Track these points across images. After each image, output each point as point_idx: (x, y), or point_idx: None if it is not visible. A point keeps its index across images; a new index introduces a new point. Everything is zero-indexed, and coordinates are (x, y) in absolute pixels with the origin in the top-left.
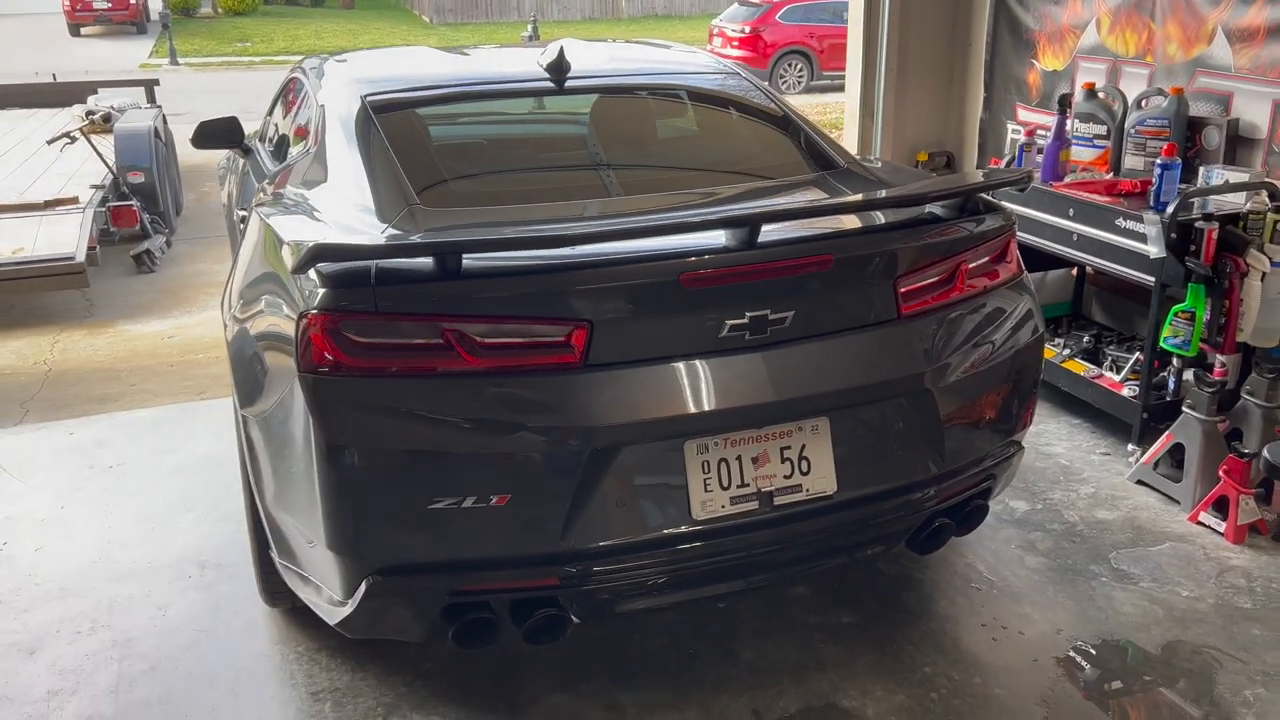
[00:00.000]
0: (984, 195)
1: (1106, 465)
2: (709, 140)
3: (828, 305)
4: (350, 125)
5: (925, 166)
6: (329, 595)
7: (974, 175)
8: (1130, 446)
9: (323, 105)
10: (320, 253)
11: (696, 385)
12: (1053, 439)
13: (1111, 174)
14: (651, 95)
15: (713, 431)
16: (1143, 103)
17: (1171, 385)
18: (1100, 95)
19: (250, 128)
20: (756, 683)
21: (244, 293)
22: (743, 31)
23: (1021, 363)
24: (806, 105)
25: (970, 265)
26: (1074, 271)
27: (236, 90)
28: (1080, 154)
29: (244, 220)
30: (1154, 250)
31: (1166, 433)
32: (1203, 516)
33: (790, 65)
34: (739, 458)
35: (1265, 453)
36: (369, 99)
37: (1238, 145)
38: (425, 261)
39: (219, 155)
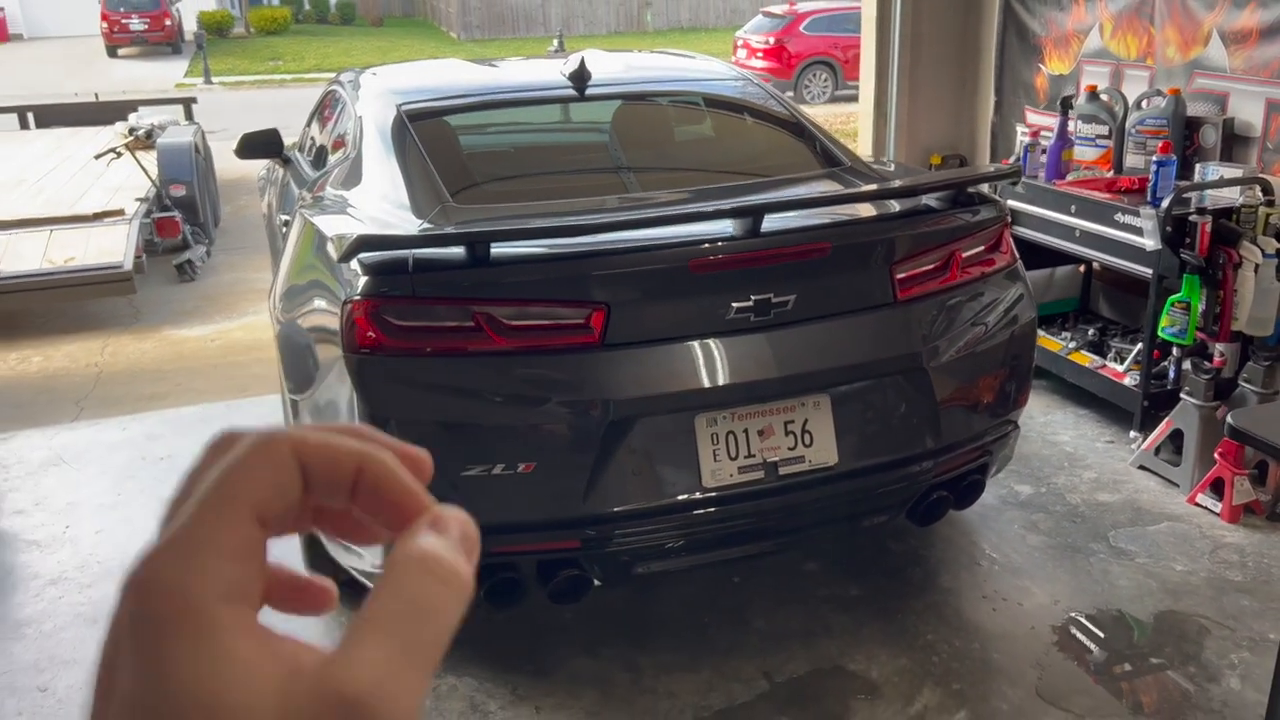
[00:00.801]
0: (977, 189)
1: (1110, 452)
2: (722, 141)
3: (827, 290)
4: (387, 132)
5: (939, 169)
6: (371, 561)
7: (963, 171)
8: (1132, 433)
9: (360, 115)
10: (364, 243)
11: (705, 363)
12: (1059, 428)
13: (1113, 172)
14: (668, 101)
15: (721, 406)
16: (1142, 103)
17: (1171, 374)
18: (1102, 97)
19: (287, 140)
20: (767, 648)
21: (289, 289)
22: (767, 43)
23: (1014, 346)
24: (831, 115)
25: (964, 254)
26: (1081, 268)
27: (269, 106)
28: (1083, 153)
29: (286, 225)
30: (1150, 243)
31: (1166, 419)
32: (1200, 498)
33: (815, 76)
34: (746, 430)
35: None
36: (404, 108)
37: (1234, 143)
38: (457, 251)
39: (255, 170)
